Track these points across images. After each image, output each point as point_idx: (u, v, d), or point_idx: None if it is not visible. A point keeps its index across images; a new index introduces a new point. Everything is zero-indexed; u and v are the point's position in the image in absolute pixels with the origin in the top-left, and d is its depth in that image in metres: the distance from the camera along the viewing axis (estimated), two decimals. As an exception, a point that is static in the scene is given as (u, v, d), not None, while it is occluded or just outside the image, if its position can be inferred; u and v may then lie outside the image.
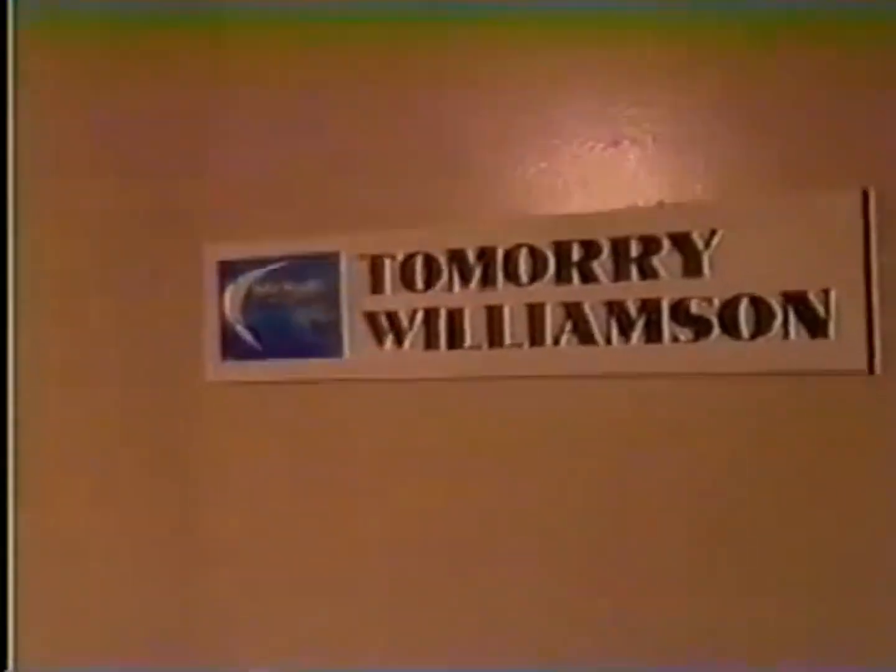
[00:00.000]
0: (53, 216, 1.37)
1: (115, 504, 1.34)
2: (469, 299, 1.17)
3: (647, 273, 1.11)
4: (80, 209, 1.34)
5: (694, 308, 1.09)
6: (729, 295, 1.08)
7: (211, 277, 1.26)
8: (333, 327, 1.21)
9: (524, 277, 1.15)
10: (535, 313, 1.14)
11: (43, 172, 1.37)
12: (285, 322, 1.23)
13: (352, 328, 1.21)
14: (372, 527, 1.22)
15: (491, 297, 1.16)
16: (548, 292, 1.14)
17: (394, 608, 1.21)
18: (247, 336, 1.25)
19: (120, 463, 1.33)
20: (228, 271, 1.25)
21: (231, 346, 1.26)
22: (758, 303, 1.07)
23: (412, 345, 1.19)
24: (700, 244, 1.09)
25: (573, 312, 1.13)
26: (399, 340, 1.19)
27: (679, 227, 1.09)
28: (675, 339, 1.10)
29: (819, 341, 1.05)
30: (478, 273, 1.16)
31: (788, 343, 1.06)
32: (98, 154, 1.33)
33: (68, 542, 1.37)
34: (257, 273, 1.24)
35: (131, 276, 1.31)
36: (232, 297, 1.25)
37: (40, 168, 1.38)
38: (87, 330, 1.34)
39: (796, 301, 1.05)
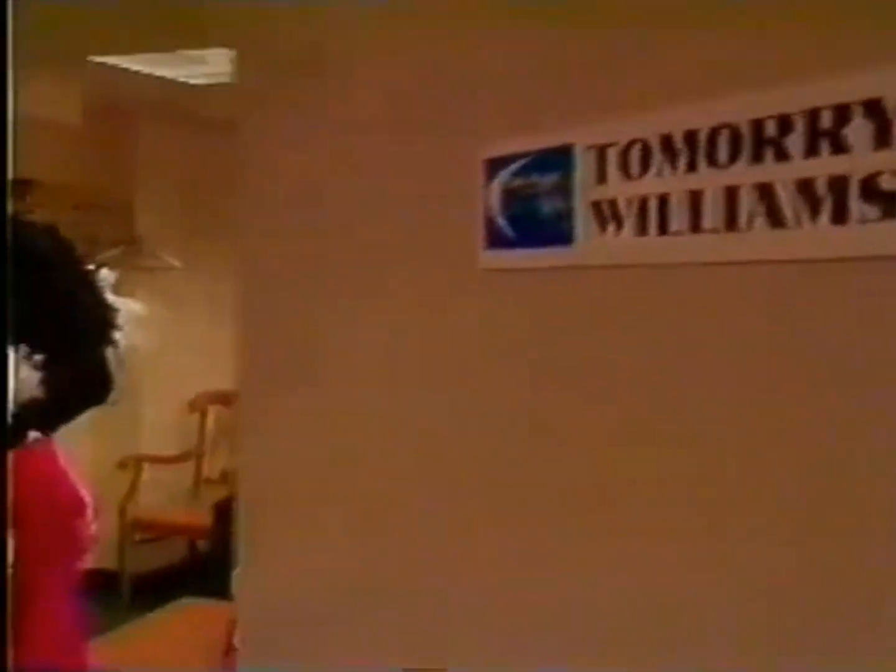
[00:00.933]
0: (334, 116, 1.51)
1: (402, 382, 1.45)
2: (675, 184, 1.12)
3: (838, 147, 0.99)
4: (360, 117, 1.48)
5: (884, 184, 0.95)
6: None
7: (479, 174, 1.33)
8: (568, 217, 1.23)
9: (723, 159, 1.08)
10: (731, 196, 1.07)
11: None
12: (532, 213, 1.27)
13: (581, 217, 1.22)
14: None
15: (693, 182, 1.11)
16: (743, 173, 1.06)
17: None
18: (504, 227, 1.30)
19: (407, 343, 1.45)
20: (492, 167, 1.31)
21: (493, 237, 1.32)
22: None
23: (628, 232, 1.17)
24: (892, 110, 0.95)
25: (766, 194, 1.04)
26: (618, 228, 1.18)
27: (871, 94, 0.96)
28: (862, 218, 0.97)
29: None
30: (684, 157, 1.11)
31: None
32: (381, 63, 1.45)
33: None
34: (512, 168, 1.29)
35: (415, 175, 1.42)
36: (493, 191, 1.31)
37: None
38: (375, 223, 1.47)
39: None
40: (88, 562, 4.51)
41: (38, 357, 4.18)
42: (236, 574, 4.11)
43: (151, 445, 6.72)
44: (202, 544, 6.94)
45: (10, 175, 2.54)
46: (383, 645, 1.47)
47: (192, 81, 6.28)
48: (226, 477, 7.17)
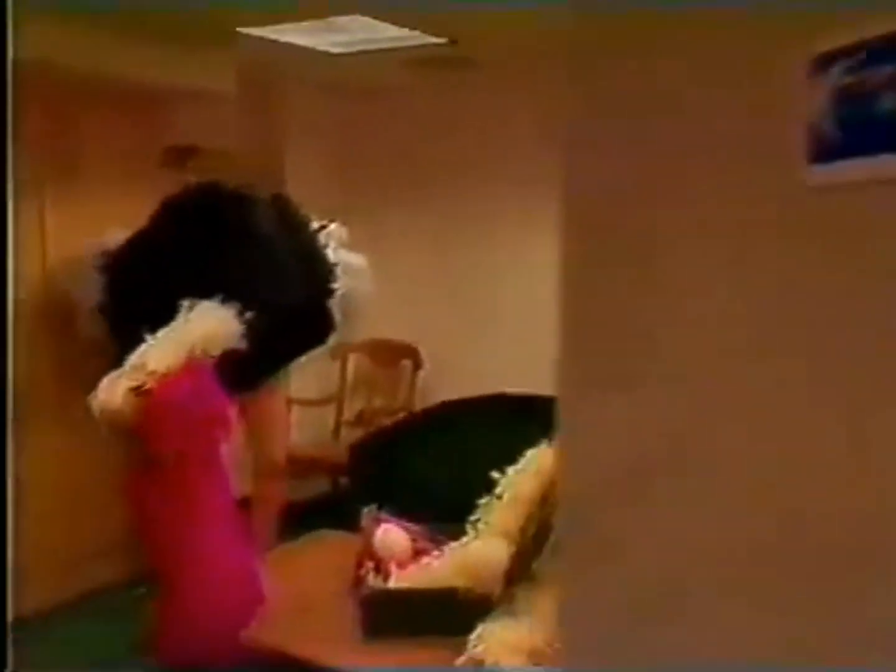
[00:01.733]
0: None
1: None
2: None
3: None
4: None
5: None
6: None
7: (805, 74, 1.25)
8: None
9: None
10: None
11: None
12: (866, 116, 1.18)
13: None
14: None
15: None
16: None
17: None
18: (835, 135, 1.21)
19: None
20: (820, 65, 1.22)
21: (822, 147, 1.24)
22: None
23: None
24: None
25: None
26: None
27: None
28: None
29: None
30: None
31: None
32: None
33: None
34: (844, 63, 1.20)
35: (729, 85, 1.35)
36: (822, 92, 1.22)
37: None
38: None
39: None
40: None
41: (248, 314, 4.49)
42: (366, 511, 4.33)
43: (298, 389, 6.96)
44: (343, 481, 7.14)
45: (10, 175, 2.70)
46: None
47: (331, 50, 6.32)
48: (361, 418, 7.45)
